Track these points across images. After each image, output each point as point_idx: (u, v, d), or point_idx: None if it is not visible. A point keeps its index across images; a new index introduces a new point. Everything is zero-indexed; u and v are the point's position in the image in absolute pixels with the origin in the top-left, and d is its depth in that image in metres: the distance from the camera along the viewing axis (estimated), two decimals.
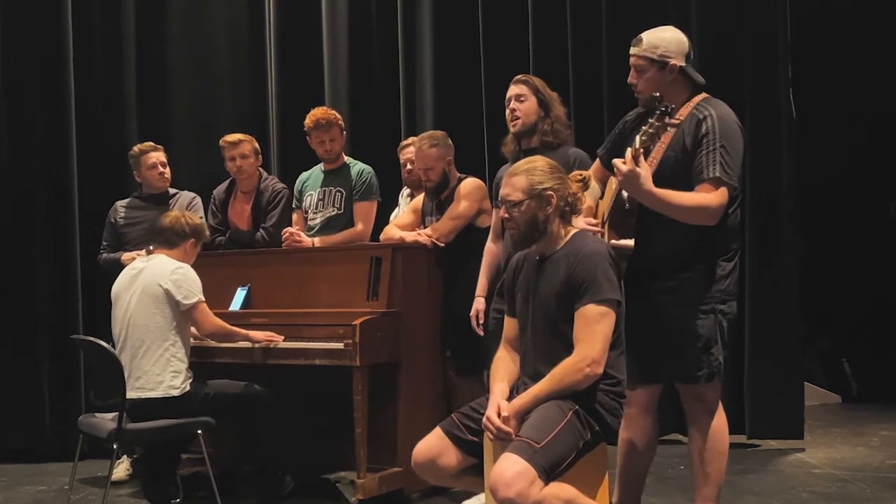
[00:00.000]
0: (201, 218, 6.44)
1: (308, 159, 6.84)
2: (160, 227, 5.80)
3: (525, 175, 4.11)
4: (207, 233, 6.08)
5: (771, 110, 6.83)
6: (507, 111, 5.41)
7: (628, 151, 4.08)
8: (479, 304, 5.63)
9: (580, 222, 4.37)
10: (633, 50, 4.46)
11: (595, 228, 4.36)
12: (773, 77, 6.87)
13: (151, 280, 5.54)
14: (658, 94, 4.25)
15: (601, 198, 4.60)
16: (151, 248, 5.84)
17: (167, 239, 5.74)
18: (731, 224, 4.36)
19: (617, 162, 4.09)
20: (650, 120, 4.13)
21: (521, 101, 5.36)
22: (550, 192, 4.09)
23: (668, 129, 4.23)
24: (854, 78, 9.02)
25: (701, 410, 4.44)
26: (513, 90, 5.41)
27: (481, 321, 5.59)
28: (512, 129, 5.40)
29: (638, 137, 4.10)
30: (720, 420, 4.46)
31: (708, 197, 4.16)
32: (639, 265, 4.27)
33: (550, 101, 5.38)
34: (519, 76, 5.47)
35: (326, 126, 6.49)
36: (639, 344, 4.29)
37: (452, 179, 6.06)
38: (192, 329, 5.70)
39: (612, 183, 4.41)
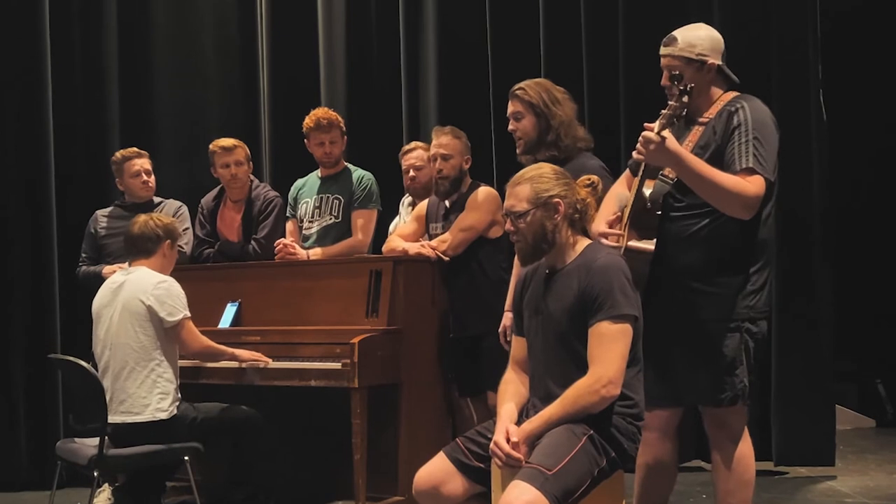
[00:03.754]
0: (176, 219, 6.34)
1: (302, 166, 6.88)
2: (131, 236, 5.80)
3: (529, 183, 4.12)
4: (181, 228, 6.06)
5: (800, 115, 6.82)
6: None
7: (645, 132, 4.13)
8: (507, 319, 5.52)
9: (602, 225, 4.39)
10: (665, 50, 4.46)
11: (615, 232, 4.38)
12: (802, 79, 6.88)
13: (132, 296, 5.54)
14: (678, 73, 4.30)
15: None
16: (128, 263, 5.86)
17: (142, 248, 5.74)
18: (764, 233, 4.36)
19: (642, 137, 4.12)
20: (670, 102, 4.18)
21: (519, 120, 5.30)
22: (557, 200, 4.09)
23: (695, 126, 4.33)
24: (891, 78, 9.03)
25: (724, 437, 4.43)
26: (509, 107, 5.35)
27: (509, 338, 5.56)
28: (517, 150, 5.34)
29: (658, 122, 4.14)
30: (746, 447, 4.45)
31: (745, 184, 4.15)
32: (661, 275, 4.29)
33: (551, 109, 5.25)
34: (514, 88, 5.36)
35: (327, 127, 6.53)
36: (658, 362, 4.30)
37: (465, 184, 6.07)
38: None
39: (634, 184, 4.43)
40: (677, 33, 4.48)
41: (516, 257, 5.44)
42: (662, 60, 4.48)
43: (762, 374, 6.71)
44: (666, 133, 4.10)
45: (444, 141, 6.02)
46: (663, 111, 4.18)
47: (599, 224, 4.42)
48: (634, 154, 4.28)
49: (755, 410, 6.53)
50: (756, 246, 4.34)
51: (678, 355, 4.34)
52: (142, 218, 5.83)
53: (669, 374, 4.37)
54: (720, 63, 4.46)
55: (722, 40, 4.51)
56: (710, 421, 4.46)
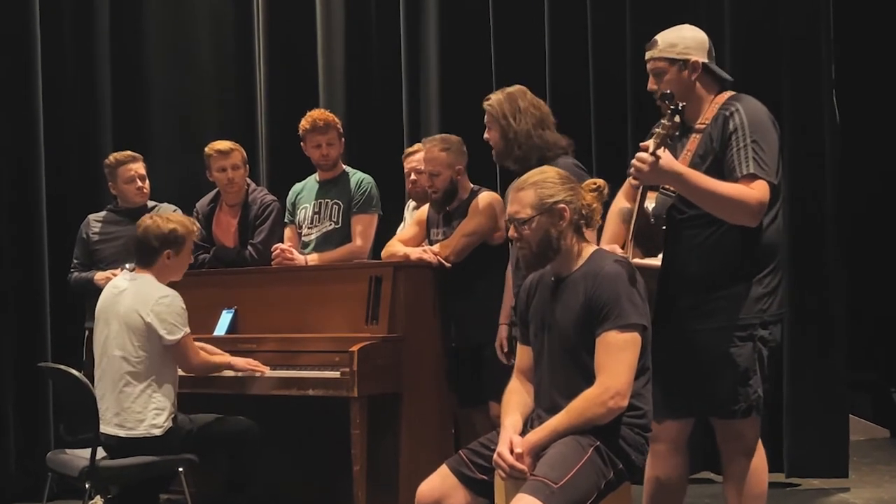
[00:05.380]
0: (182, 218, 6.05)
1: (300, 169, 6.89)
2: (135, 240, 5.76)
3: (533, 189, 4.13)
4: (194, 227, 5.93)
5: (812, 115, 6.82)
6: None
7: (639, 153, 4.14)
8: (503, 332, 5.64)
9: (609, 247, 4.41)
10: (648, 54, 4.51)
11: (621, 252, 4.38)
12: (814, 78, 6.87)
13: (131, 308, 5.50)
14: (669, 91, 4.29)
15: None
16: (129, 266, 5.84)
17: (142, 256, 5.68)
18: (772, 235, 4.36)
19: (635, 160, 4.14)
20: (662, 121, 4.19)
21: (489, 132, 5.53)
22: (563, 206, 4.10)
23: (692, 133, 4.34)
24: None
25: (737, 449, 4.44)
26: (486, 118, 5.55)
27: (506, 349, 5.60)
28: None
29: (651, 141, 4.15)
30: (759, 461, 4.46)
31: (748, 191, 4.17)
32: (669, 287, 4.28)
33: (509, 121, 5.42)
34: (484, 100, 5.59)
35: (324, 128, 6.54)
36: (668, 372, 4.30)
37: (464, 191, 6.09)
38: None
39: (636, 199, 4.43)
40: (658, 36, 4.52)
41: (509, 268, 5.52)
42: (647, 65, 4.52)
43: (773, 382, 6.70)
44: (660, 152, 4.10)
45: (430, 156, 6.08)
46: (656, 129, 4.20)
47: (605, 245, 4.45)
48: (630, 179, 4.31)
49: (766, 420, 6.50)
50: (764, 250, 4.35)
51: (690, 366, 4.34)
52: (146, 222, 5.73)
53: (681, 385, 4.37)
54: (706, 61, 4.46)
55: (707, 39, 4.52)
56: (722, 433, 4.47)
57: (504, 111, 5.45)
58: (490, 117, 5.51)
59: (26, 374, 7.45)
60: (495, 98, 5.53)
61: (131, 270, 5.75)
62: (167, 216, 5.79)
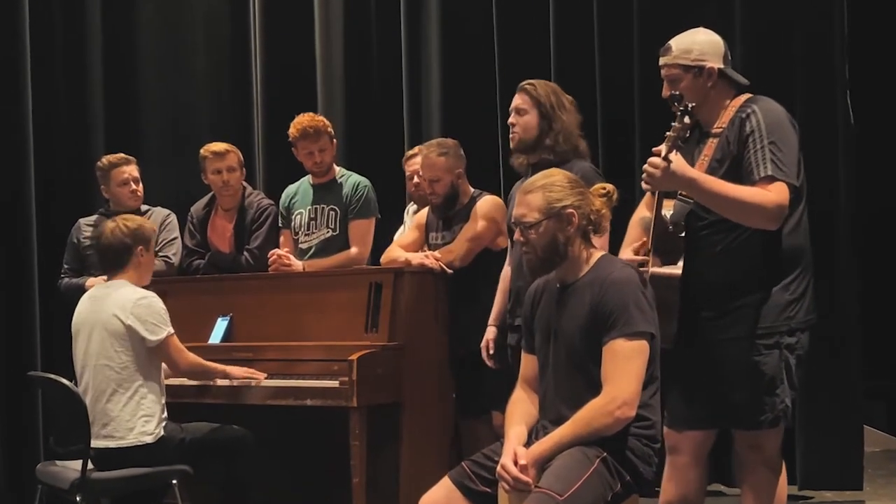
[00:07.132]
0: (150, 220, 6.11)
1: (297, 173, 6.89)
2: (100, 249, 5.74)
3: (542, 192, 4.13)
4: (170, 237, 5.89)
5: (826, 116, 6.82)
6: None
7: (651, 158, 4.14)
8: (490, 333, 5.65)
9: (627, 253, 4.41)
10: (662, 60, 4.50)
11: (640, 258, 4.39)
12: (828, 78, 6.88)
13: (110, 314, 5.50)
14: (677, 93, 4.31)
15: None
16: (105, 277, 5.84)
17: (114, 261, 5.67)
18: (796, 238, 4.36)
19: (647, 165, 4.14)
20: (673, 124, 4.19)
21: (521, 115, 5.40)
22: (571, 210, 4.11)
23: (709, 138, 4.33)
24: None
25: (758, 461, 4.43)
26: (515, 100, 5.45)
27: (492, 351, 5.61)
28: (511, 145, 5.46)
29: (663, 145, 4.16)
30: (780, 473, 4.48)
31: (766, 194, 4.16)
32: (692, 295, 4.29)
33: (556, 112, 5.37)
34: (524, 83, 5.49)
35: (315, 135, 6.51)
36: (691, 382, 4.32)
37: (464, 195, 6.10)
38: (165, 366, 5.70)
39: (653, 206, 4.44)
40: (672, 41, 4.52)
41: (505, 269, 5.53)
42: (662, 72, 4.52)
43: None
44: (672, 156, 4.11)
45: (428, 162, 6.08)
46: (668, 133, 4.20)
47: (625, 252, 4.45)
48: (643, 185, 4.31)
49: None
50: (789, 254, 4.34)
51: (714, 376, 4.33)
52: (108, 226, 5.71)
53: (705, 396, 4.37)
54: (722, 66, 4.46)
55: (722, 43, 4.53)
56: (743, 443, 4.46)
57: (552, 101, 5.37)
58: (531, 101, 5.39)
59: (15, 383, 7.45)
60: (540, 84, 5.45)
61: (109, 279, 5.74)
62: (123, 218, 5.75)
